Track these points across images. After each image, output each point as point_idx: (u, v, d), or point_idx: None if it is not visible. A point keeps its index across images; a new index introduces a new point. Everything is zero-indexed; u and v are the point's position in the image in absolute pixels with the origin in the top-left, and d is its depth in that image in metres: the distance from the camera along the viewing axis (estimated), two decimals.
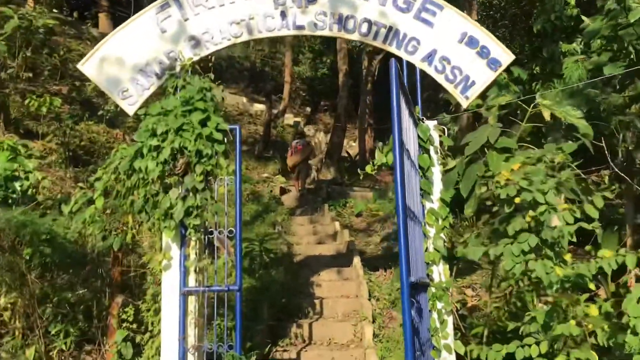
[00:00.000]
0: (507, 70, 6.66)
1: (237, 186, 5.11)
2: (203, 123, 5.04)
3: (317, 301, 8.11)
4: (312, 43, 25.24)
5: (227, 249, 9.55)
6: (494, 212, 4.54)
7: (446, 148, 5.32)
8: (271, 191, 12.97)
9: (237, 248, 5.21)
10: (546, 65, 8.30)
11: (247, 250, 8.81)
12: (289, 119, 22.88)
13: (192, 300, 5.02)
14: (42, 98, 10.55)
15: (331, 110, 24.99)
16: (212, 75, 5.39)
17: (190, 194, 4.96)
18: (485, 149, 4.82)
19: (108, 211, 5.48)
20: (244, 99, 23.09)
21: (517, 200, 3.89)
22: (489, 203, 4.98)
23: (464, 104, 5.44)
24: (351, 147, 21.73)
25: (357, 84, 21.97)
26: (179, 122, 4.98)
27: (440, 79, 5.47)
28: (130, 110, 5.45)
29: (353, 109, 22.80)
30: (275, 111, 22.64)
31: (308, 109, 25.19)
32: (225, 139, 5.15)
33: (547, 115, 4.86)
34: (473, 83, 5.43)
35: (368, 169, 5.27)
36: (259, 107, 22.26)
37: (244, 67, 25.82)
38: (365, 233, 11.46)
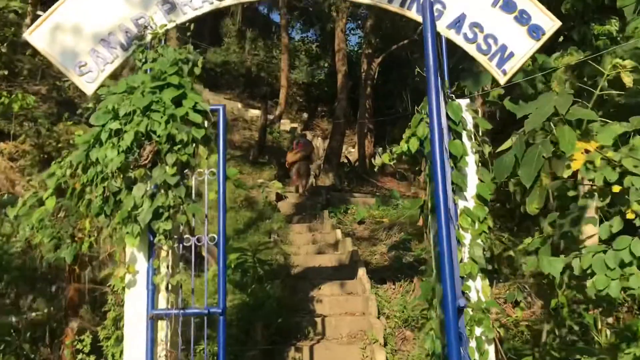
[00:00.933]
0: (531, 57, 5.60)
1: (220, 181, 3.99)
2: (177, 102, 3.95)
3: (318, 319, 6.99)
4: (309, 47, 24.30)
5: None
6: (560, 207, 3.44)
7: (481, 133, 4.22)
8: (266, 197, 11.85)
9: (219, 260, 4.08)
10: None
11: (239, 261, 7.69)
12: (286, 124, 21.80)
13: (162, 326, 3.89)
14: (14, 95, 9.45)
15: (328, 116, 23.93)
16: (190, 47, 4.29)
17: (161, 190, 3.85)
18: (551, 124, 3.71)
19: (62, 214, 4.36)
20: (239, 105, 22.02)
21: (615, 188, 2.79)
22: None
23: (501, 79, 4.36)
24: (350, 153, 20.64)
25: (355, 88, 20.94)
26: (147, 100, 3.88)
27: (471, 49, 4.41)
28: (89, 88, 4.36)
29: (351, 114, 21.77)
30: (271, 117, 21.58)
31: (305, 115, 24.12)
32: (206, 123, 4.05)
33: (628, 80, 3.75)
34: (511, 55, 4.37)
35: (385, 158, 4.18)
36: (255, 112, 21.18)
37: (239, 73, 24.76)
38: (370, 242, 10.33)
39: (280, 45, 22.41)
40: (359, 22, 22.70)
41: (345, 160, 18.77)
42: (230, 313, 6.76)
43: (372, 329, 6.55)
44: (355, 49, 24.45)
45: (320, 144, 21.35)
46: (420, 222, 4.05)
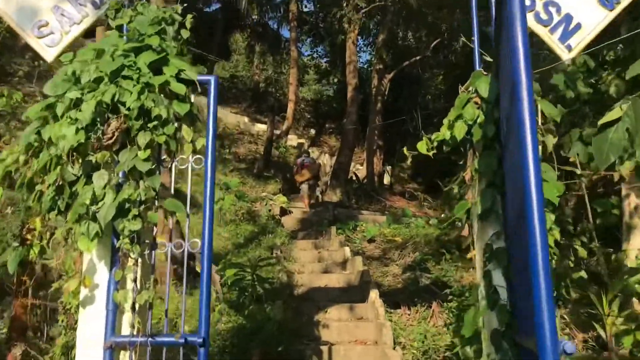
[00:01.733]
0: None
1: (207, 170, 3.04)
2: (157, 69, 3.04)
3: (324, 348, 5.98)
4: (318, 62, 23.58)
5: (214, 279, 7.43)
6: None
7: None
8: (270, 210, 10.90)
9: (203, 273, 3.11)
10: (624, 50, 6.37)
11: (236, 278, 6.70)
12: (293, 140, 20.97)
13: (125, 358, 2.91)
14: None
15: (336, 133, 23.09)
16: (178, 7, 3.39)
17: (129, 180, 2.92)
18: None
19: (10, 210, 3.43)
20: (246, 119, 21.25)
21: None
22: None
23: (565, 56, 3.44)
24: (358, 170, 19.71)
25: (365, 105, 20.11)
26: (117, 63, 2.97)
27: (528, 18, 3.49)
28: (50, 53, 3.47)
29: (360, 131, 20.91)
30: (278, 132, 20.77)
31: (312, 131, 23.29)
32: (193, 97, 3.13)
33: None
34: (578, 27, 3.46)
35: (422, 146, 3.22)
36: (261, 127, 20.38)
37: (247, 87, 24.06)
38: (381, 262, 9.34)
39: (289, 60, 21.72)
40: (370, 38, 21.95)
41: (354, 177, 17.82)
42: (223, 338, 5.76)
43: None
44: (366, 67, 23.73)
45: (327, 161, 20.51)
46: (465, 232, 3.09)
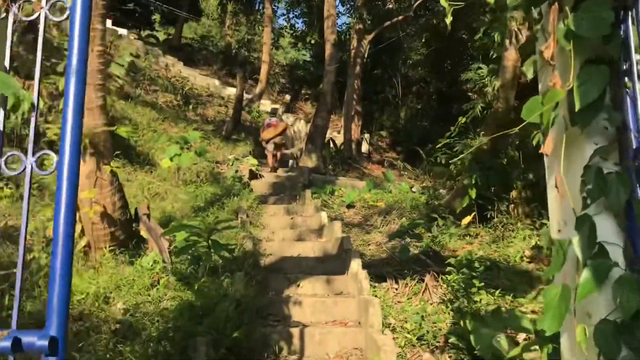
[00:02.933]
0: None
1: (76, 20, 1.59)
2: None
3: (294, 331, 4.66)
4: (294, 23, 21.90)
5: (160, 245, 5.98)
6: None
7: None
8: (237, 171, 9.45)
9: (56, 228, 1.65)
10: None
11: (188, 244, 5.29)
12: (266, 105, 19.38)
13: None
14: None
15: (313, 99, 21.57)
16: None
17: None
18: None
19: None
20: (217, 82, 19.54)
21: None
22: None
23: None
24: (336, 138, 18.31)
25: (342, 69, 18.58)
26: None
27: None
28: None
29: (337, 98, 19.45)
30: (250, 96, 19.16)
31: (287, 97, 21.70)
32: None
33: None
34: None
35: None
36: (232, 90, 18.70)
37: (218, 49, 22.24)
38: (362, 229, 8.02)
39: (263, 21, 20.00)
40: None
41: (331, 144, 16.43)
42: (165, 319, 4.37)
43: (376, 350, 4.23)
44: (345, 30, 22.12)
45: (302, 127, 19.06)
46: (547, 149, 1.72)
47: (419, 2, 17.09)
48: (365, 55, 18.04)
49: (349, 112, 17.16)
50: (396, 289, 5.89)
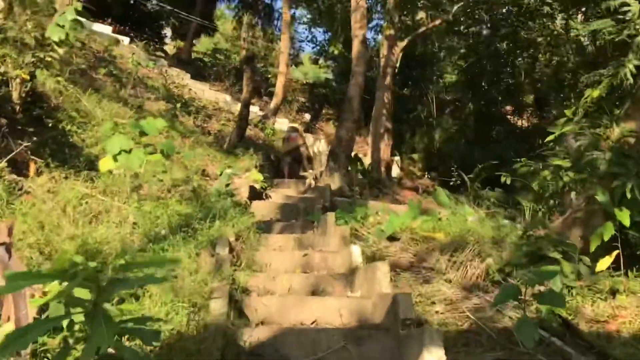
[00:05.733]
0: None
1: None
2: None
3: None
4: (315, 30, 19.10)
5: (21, 307, 2.89)
6: None
7: None
8: (227, 185, 6.37)
9: None
10: None
11: (55, 316, 2.18)
12: (282, 124, 16.49)
13: None
14: None
15: (334, 119, 18.58)
16: None
17: None
18: None
19: None
20: (228, 97, 16.80)
21: None
22: None
23: None
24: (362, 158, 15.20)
25: (370, 83, 15.60)
26: None
27: None
28: None
29: (364, 117, 16.37)
30: (263, 112, 16.32)
31: (307, 116, 18.80)
32: None
33: None
34: None
35: None
36: None
37: (232, 66, 19.62)
38: (416, 274, 4.83)
39: (280, 36, 17.29)
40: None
41: (358, 163, 13.27)
42: None
43: None
44: (373, 38, 19.20)
45: (323, 148, 16.16)
46: None
47: (459, 4, 14.25)
48: (397, 66, 15.08)
49: (378, 129, 14.10)
50: None
